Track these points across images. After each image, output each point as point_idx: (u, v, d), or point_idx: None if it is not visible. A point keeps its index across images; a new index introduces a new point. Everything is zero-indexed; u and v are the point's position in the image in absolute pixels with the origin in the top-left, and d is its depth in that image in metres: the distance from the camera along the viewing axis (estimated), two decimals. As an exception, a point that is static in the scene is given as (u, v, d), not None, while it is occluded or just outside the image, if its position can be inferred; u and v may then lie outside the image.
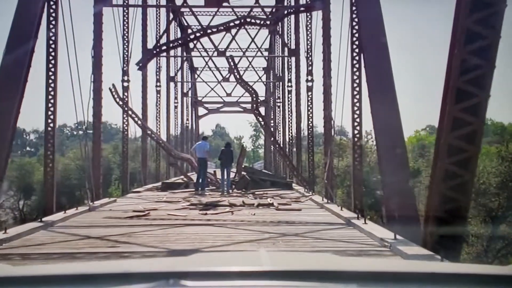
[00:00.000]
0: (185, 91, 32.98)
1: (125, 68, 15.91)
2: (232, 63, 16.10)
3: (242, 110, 39.77)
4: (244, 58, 29.80)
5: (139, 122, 16.58)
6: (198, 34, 14.45)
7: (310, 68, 16.36)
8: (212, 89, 37.15)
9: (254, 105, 17.11)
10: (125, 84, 16.07)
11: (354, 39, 9.90)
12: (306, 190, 14.98)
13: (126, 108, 15.92)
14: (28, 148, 77.57)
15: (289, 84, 22.50)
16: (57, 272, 1.36)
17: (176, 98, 28.64)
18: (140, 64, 13.47)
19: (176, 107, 28.53)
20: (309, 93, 16.36)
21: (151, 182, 20.29)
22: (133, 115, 16.40)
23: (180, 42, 16.17)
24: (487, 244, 17.45)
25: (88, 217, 9.48)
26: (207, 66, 32.87)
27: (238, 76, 16.32)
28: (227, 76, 31.12)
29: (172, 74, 26.61)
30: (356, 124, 9.96)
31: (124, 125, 16.24)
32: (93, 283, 1.22)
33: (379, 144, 7.62)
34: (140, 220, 8.94)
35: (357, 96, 9.93)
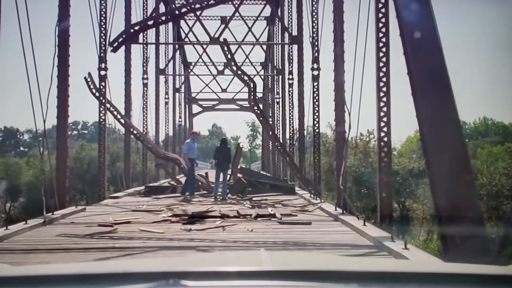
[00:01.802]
0: (177, 86, 30.68)
1: (102, 55, 13.70)
2: (226, 49, 13.91)
3: (238, 107, 37.67)
4: (241, 52, 27.67)
5: (119, 116, 14.35)
6: (184, 10, 12.24)
7: (316, 54, 14.17)
8: (207, 85, 34.95)
9: (252, 97, 14.89)
10: (102, 72, 13.81)
11: (380, 5, 7.79)
12: (312, 195, 12.83)
13: (103, 101, 13.71)
14: (22, 148, 76.14)
15: (290, 76, 20.32)
16: (57, 272, 1.34)
17: (167, 93, 26.24)
18: (114, 45, 11.29)
19: (166, 103, 26.12)
20: (315, 84, 14.15)
21: (139, 185, 18.29)
22: (112, 109, 14.18)
23: (165, 18, 13.85)
24: (499, 249, 16.11)
25: (36, 235, 7.31)
26: (201, 59, 30.56)
27: (233, 63, 14.11)
28: (222, 69, 28.88)
29: (162, 66, 24.22)
30: (382, 114, 7.81)
31: (101, 120, 13.97)
32: (93, 283, 1.20)
33: (428, 140, 5.47)
34: (102, 240, 6.81)
35: (384, 79, 7.80)
